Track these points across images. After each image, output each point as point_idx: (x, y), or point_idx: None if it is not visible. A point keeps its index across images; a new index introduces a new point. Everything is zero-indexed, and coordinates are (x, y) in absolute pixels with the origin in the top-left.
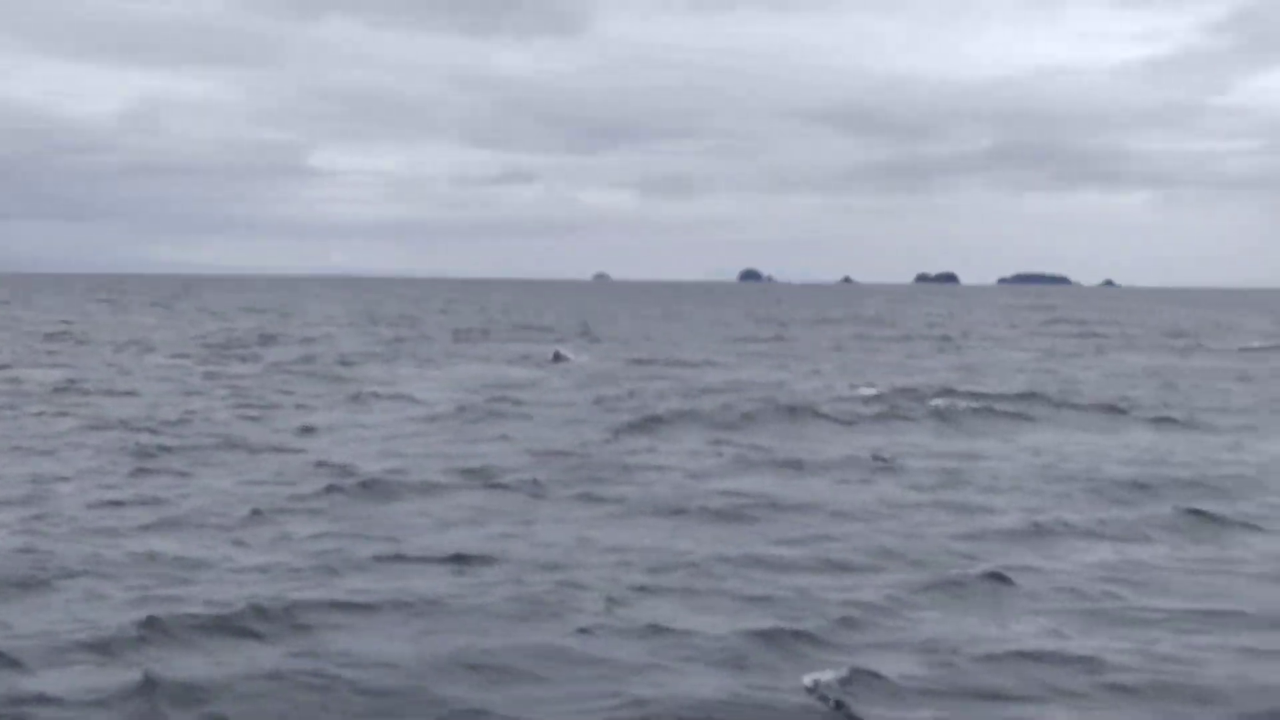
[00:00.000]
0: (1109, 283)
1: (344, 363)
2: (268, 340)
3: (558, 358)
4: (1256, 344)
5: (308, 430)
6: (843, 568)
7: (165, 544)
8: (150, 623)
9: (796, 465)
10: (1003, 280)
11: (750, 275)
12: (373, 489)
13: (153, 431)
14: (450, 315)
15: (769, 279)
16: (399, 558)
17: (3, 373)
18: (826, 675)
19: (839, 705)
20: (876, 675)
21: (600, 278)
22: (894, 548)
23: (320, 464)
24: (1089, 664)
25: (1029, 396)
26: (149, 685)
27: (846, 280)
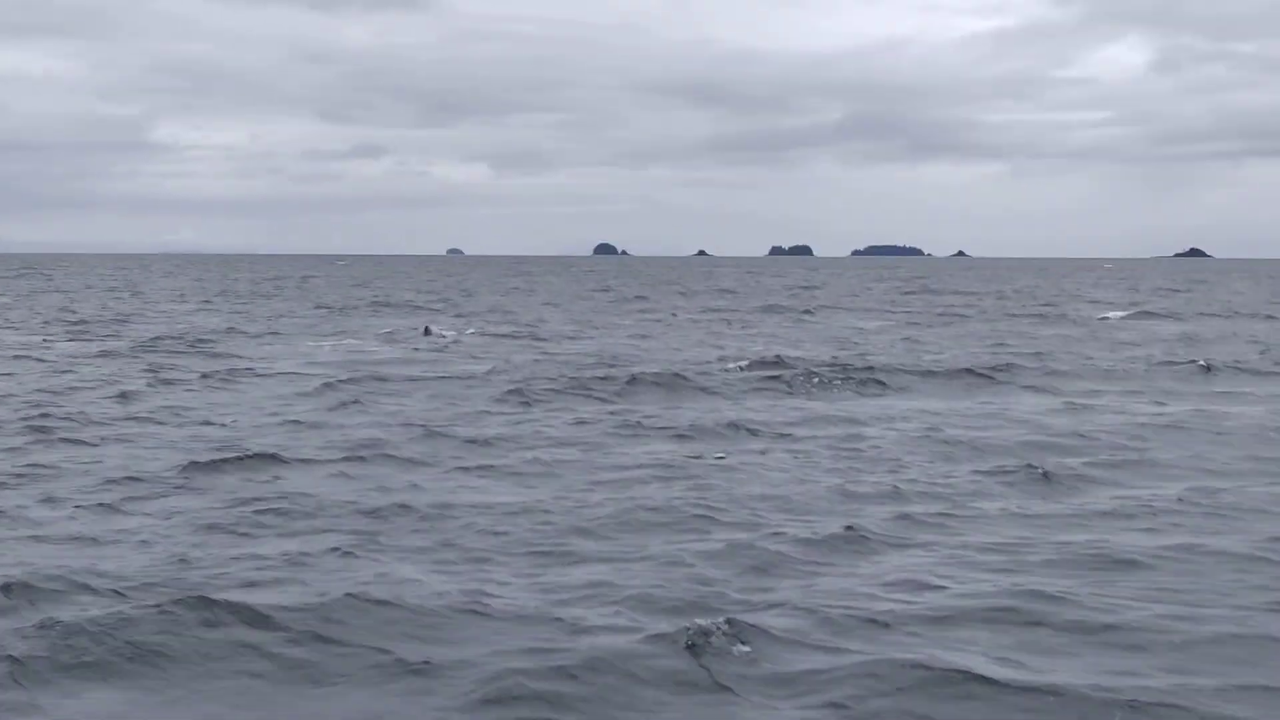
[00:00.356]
0: (961, 253)
1: (205, 340)
2: (124, 319)
3: (428, 332)
4: (1115, 315)
5: (182, 409)
6: (723, 525)
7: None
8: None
9: (683, 433)
10: (856, 252)
11: (605, 249)
12: (251, 465)
13: (36, 407)
14: (307, 291)
15: (624, 253)
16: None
17: None
18: (704, 622)
19: (709, 652)
20: (753, 625)
21: (454, 252)
22: (770, 507)
23: (197, 439)
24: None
25: (894, 365)
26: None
27: (701, 253)
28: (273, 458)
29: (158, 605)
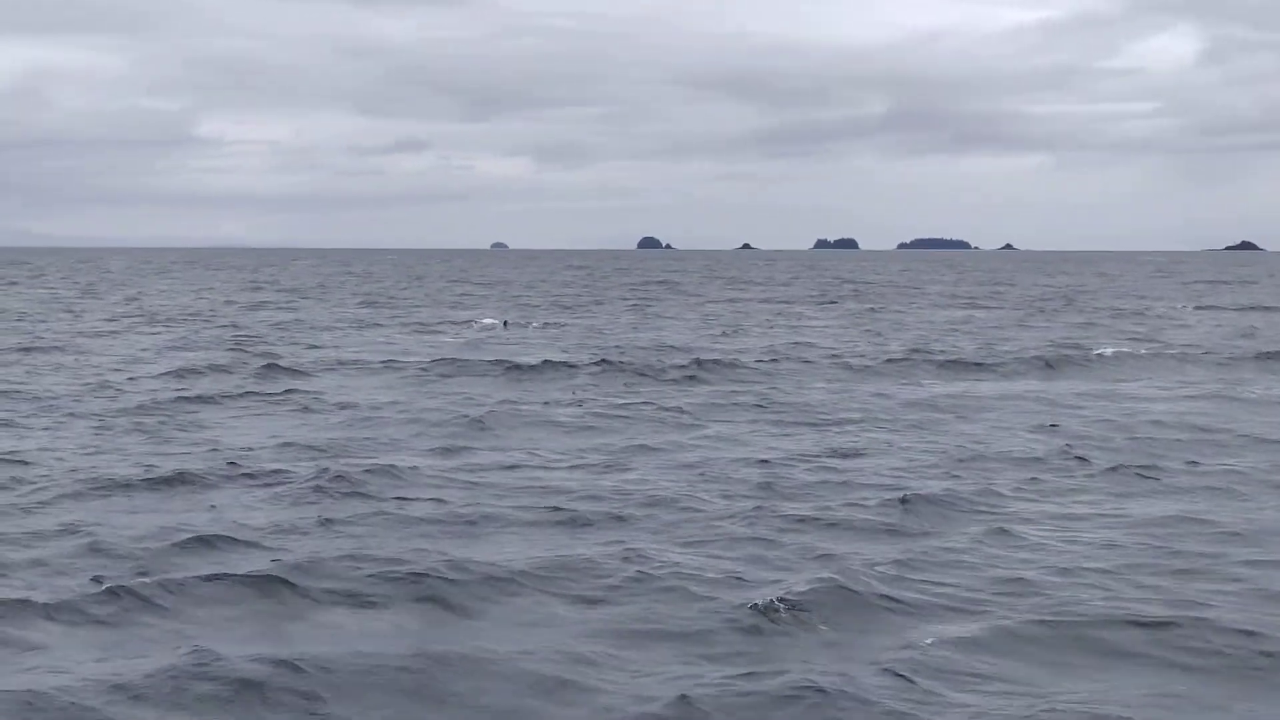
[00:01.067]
0: (1009, 246)
1: (309, 332)
2: (192, 314)
3: (505, 325)
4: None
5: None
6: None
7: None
8: None
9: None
10: (903, 245)
11: (649, 242)
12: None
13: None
14: (373, 284)
15: (668, 246)
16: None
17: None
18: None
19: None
20: None
21: (498, 247)
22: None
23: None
24: None
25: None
26: None
27: (746, 246)
28: None
29: None
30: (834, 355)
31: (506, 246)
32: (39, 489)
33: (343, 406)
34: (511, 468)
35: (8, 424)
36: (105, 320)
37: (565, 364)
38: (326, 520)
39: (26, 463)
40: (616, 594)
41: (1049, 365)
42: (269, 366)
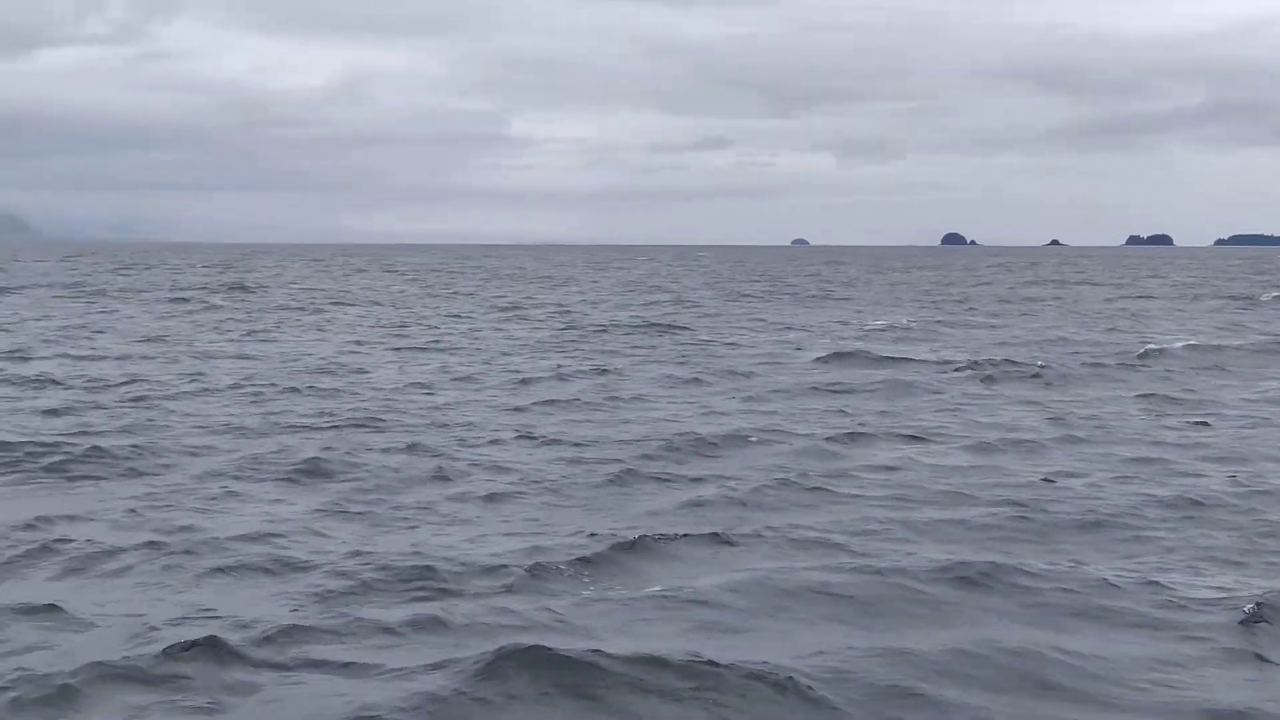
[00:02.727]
0: None
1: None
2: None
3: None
4: None
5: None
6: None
7: None
8: None
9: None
10: (1220, 242)
11: (953, 239)
12: None
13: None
14: (733, 281)
15: (972, 242)
16: None
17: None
18: None
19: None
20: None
21: (799, 243)
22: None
23: None
24: None
25: None
26: None
27: (1054, 243)
28: None
29: None
30: None
31: (807, 243)
32: None
33: None
34: None
35: None
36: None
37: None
38: None
39: None
40: None
41: None
42: None
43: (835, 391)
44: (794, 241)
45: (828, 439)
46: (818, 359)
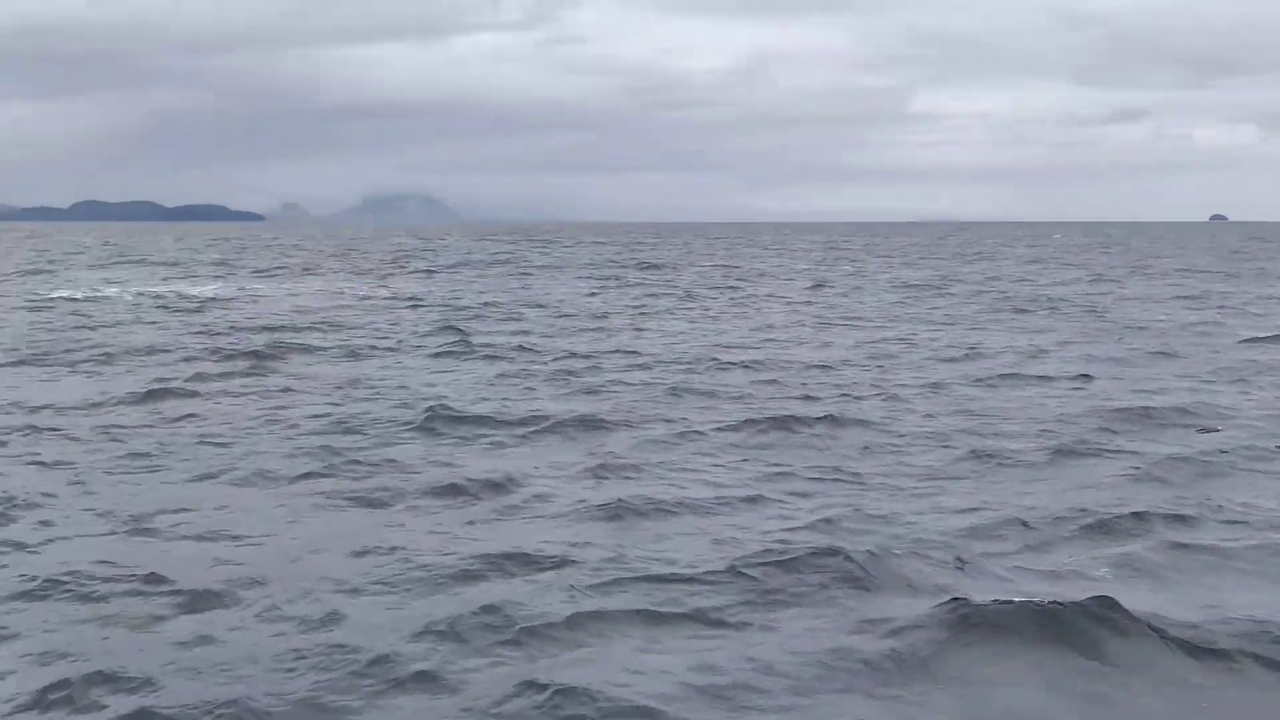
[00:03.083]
0: None
1: None
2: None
3: None
4: None
5: None
6: None
7: None
8: None
9: None
10: None
11: None
12: None
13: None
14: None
15: None
16: None
17: None
18: None
19: None
20: None
21: (1217, 219)
22: None
23: None
24: None
25: None
26: None
27: None
28: None
29: None
30: None
31: (1226, 219)
32: None
33: None
34: None
35: None
36: None
37: None
38: None
39: None
40: None
41: None
42: None
43: None
44: (1212, 217)
45: None
46: None
